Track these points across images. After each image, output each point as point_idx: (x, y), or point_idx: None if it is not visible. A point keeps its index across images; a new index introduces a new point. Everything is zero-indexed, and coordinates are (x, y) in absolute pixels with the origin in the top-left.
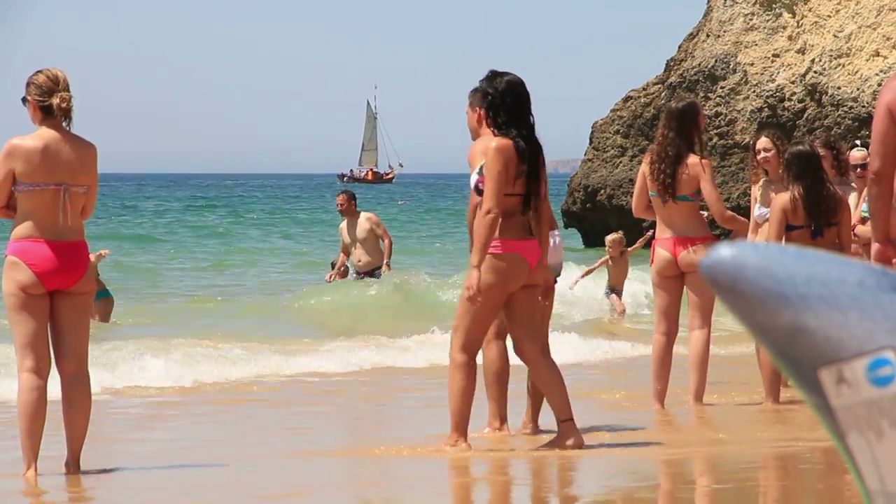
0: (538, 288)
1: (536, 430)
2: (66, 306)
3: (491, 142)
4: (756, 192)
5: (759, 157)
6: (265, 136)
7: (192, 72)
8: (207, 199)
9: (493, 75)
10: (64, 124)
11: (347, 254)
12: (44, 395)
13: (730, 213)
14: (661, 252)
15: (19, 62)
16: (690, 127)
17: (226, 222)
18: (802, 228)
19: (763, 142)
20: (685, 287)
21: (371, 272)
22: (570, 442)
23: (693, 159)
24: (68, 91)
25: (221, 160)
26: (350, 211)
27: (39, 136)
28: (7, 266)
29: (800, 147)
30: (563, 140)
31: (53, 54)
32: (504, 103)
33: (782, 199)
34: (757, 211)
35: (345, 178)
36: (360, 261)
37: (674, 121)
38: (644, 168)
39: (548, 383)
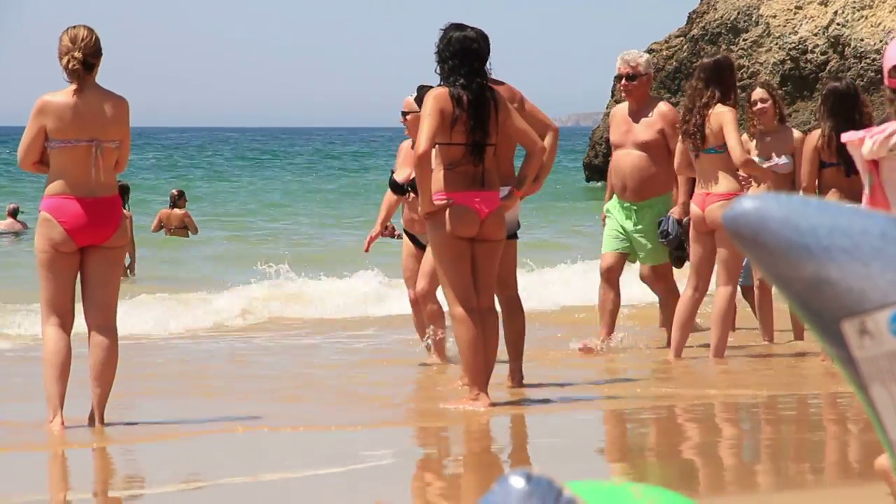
0: (494, 244)
1: (519, 383)
2: (97, 260)
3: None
4: (750, 143)
5: (755, 108)
6: (324, 90)
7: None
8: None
9: (444, 29)
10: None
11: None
12: (68, 347)
13: (750, 158)
14: (693, 208)
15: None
16: (724, 80)
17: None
18: (836, 166)
19: (759, 93)
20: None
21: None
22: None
23: (717, 109)
24: (81, 51)
25: (282, 115)
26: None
27: (69, 92)
28: (39, 222)
29: (836, 84)
30: (585, 93)
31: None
32: (444, 56)
33: (813, 136)
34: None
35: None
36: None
37: (704, 73)
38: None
39: (464, 342)
